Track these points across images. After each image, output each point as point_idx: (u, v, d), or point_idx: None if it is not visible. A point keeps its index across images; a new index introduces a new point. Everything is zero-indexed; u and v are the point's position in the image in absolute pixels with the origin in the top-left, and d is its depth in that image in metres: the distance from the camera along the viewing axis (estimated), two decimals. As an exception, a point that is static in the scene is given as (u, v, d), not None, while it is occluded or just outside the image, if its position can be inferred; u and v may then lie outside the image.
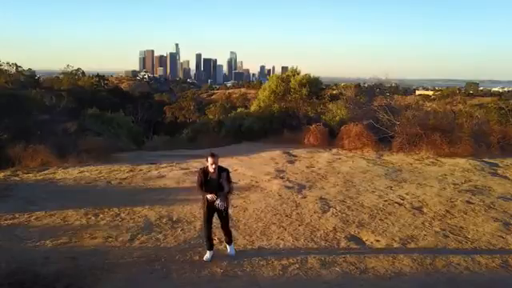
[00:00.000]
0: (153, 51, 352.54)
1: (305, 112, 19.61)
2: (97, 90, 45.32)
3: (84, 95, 35.72)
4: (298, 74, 20.79)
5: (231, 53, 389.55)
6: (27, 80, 40.04)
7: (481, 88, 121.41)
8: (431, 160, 14.10)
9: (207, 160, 5.83)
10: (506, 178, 11.84)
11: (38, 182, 10.74)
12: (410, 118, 16.31)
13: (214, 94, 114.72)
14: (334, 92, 23.12)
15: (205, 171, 5.89)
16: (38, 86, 36.71)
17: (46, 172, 11.72)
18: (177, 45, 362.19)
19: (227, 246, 6.34)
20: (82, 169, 12.10)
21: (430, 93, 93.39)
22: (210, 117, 28.41)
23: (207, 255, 6.09)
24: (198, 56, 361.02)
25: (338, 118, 17.59)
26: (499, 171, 12.65)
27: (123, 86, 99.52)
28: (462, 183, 11.05)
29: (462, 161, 13.77)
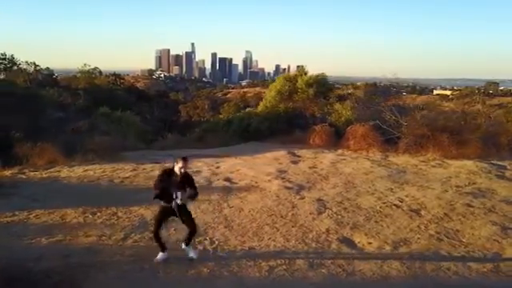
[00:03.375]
0: (169, 50, 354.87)
1: (311, 112, 19.58)
2: (113, 88, 45.82)
3: (100, 94, 36.08)
4: (306, 74, 20.77)
5: (246, 52, 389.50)
6: (45, 79, 40.71)
7: (501, 87, 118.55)
8: (437, 162, 13.93)
9: (177, 162, 5.80)
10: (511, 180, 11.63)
11: (43, 180, 10.99)
12: (417, 118, 16.12)
13: (229, 93, 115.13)
14: (345, 92, 22.96)
15: (168, 172, 5.85)
16: (56, 85, 37.34)
17: (51, 170, 11.97)
18: (192, 44, 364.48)
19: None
20: (87, 167, 12.32)
21: (448, 92, 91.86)
22: (220, 116, 28.58)
23: (158, 256, 6.02)
24: (214, 55, 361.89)
25: (343, 118, 17.52)
26: (507, 173, 12.42)
27: (139, 84, 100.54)
28: (466, 186, 10.90)
29: (469, 163, 13.56)
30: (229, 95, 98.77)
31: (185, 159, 5.85)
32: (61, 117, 23.10)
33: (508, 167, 13.24)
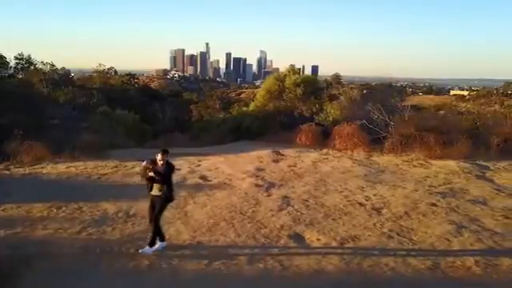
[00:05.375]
0: (183, 50, 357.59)
1: (301, 112, 19.63)
2: (126, 88, 46.28)
3: (113, 93, 36.59)
4: (296, 73, 20.81)
5: (261, 52, 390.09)
6: (61, 78, 41.36)
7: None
8: (420, 162, 13.87)
9: (157, 155, 6.28)
10: (490, 181, 11.54)
11: (25, 176, 11.35)
12: (405, 118, 16.06)
13: (242, 92, 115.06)
14: (340, 92, 22.93)
15: (154, 162, 6.30)
16: (71, 84, 38.02)
17: (36, 167, 12.32)
18: (207, 44, 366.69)
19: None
20: (71, 164, 12.65)
21: (465, 93, 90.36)
22: (221, 116, 28.81)
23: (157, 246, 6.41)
24: (228, 55, 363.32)
25: (331, 117, 17.54)
26: (487, 174, 12.32)
27: (153, 84, 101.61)
28: (440, 185, 10.88)
29: (452, 163, 13.48)
30: (242, 95, 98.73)
31: (164, 152, 6.31)
32: (65, 116, 23.71)
33: (491, 168, 13.12)
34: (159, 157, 6.25)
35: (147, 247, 6.37)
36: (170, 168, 6.37)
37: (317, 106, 19.28)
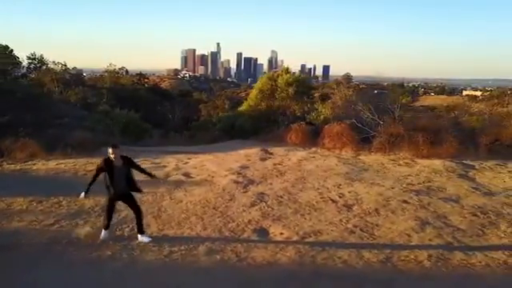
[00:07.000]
0: (194, 50, 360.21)
1: (292, 111, 19.84)
2: (136, 88, 46.89)
3: (123, 93, 37.17)
4: (288, 73, 21.02)
5: (272, 51, 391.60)
6: (72, 78, 42.07)
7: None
8: (406, 161, 13.97)
9: (108, 149, 6.54)
10: (472, 180, 11.60)
11: (15, 172, 11.77)
12: (394, 117, 16.16)
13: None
14: (333, 91, 23.05)
15: (107, 161, 6.55)
16: (82, 84, 38.78)
17: (28, 163, 12.74)
18: (218, 44, 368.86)
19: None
20: (61, 161, 13.05)
21: (478, 93, 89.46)
22: (220, 115, 29.16)
23: (103, 234, 6.78)
24: (239, 55, 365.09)
25: (322, 116, 17.72)
26: (470, 173, 12.38)
27: (164, 84, 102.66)
28: (418, 184, 10.98)
29: (438, 162, 13.56)
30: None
31: (114, 146, 6.56)
32: (74, 115, 24.24)
33: (477, 167, 13.17)
34: (110, 151, 6.48)
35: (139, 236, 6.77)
36: (127, 161, 6.68)
37: (308, 105, 19.52)
